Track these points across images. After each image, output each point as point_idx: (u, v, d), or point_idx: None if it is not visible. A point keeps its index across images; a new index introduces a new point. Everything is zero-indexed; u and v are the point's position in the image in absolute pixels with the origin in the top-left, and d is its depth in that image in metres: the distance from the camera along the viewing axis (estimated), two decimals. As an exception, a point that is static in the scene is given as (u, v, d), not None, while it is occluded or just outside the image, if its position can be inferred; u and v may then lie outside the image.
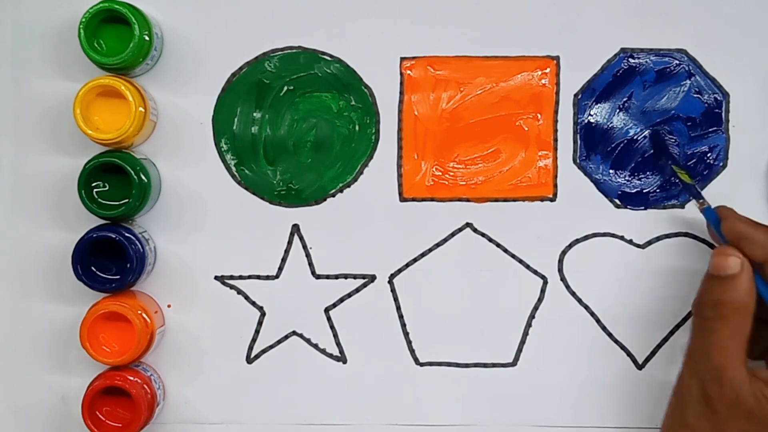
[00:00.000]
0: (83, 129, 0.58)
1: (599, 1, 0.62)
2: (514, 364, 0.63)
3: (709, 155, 0.63)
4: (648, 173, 0.63)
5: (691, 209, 0.63)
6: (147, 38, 0.59)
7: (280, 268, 0.62)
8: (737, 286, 0.51)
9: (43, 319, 0.62)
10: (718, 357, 0.51)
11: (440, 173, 0.63)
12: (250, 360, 0.62)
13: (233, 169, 0.62)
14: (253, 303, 0.62)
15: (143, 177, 0.59)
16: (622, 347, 0.63)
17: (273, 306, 0.62)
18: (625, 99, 0.63)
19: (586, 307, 0.63)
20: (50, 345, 0.62)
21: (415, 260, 0.63)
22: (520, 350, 0.63)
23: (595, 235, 0.63)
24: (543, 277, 0.63)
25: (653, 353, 0.63)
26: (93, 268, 0.59)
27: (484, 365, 0.63)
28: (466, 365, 0.63)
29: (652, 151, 0.63)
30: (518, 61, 0.62)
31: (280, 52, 0.62)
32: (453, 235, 0.63)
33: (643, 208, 0.63)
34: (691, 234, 0.63)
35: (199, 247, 0.62)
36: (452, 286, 0.62)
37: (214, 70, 0.62)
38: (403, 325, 0.63)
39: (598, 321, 0.63)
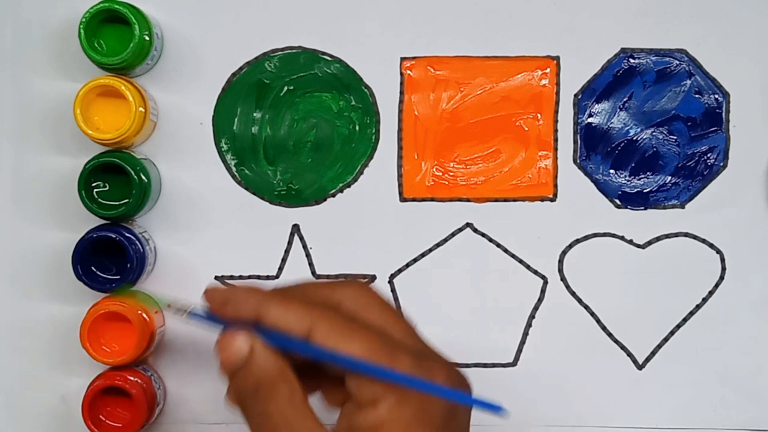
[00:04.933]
0: (83, 129, 0.58)
1: (599, 1, 0.62)
2: (514, 364, 0.63)
3: (709, 155, 0.63)
4: (648, 173, 0.63)
5: (692, 209, 0.63)
6: (147, 38, 0.59)
7: (280, 268, 0.62)
8: (258, 363, 0.44)
9: (43, 319, 0.62)
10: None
11: (440, 173, 0.63)
12: (250, 360, 0.62)
13: (233, 169, 0.62)
14: (253, 303, 0.62)
15: (143, 177, 0.59)
16: (622, 347, 0.63)
17: (273, 306, 0.62)
18: (625, 99, 0.63)
19: (586, 307, 0.63)
20: (50, 345, 0.62)
21: (415, 260, 0.63)
22: (520, 350, 0.63)
23: (595, 235, 0.63)
24: (543, 277, 0.63)
25: (653, 353, 0.63)
26: (93, 268, 0.59)
27: (484, 365, 0.63)
28: (466, 365, 0.63)
29: (652, 151, 0.63)
30: (518, 61, 0.62)
31: (280, 52, 0.62)
32: (453, 235, 0.63)
33: (643, 208, 0.63)
34: (691, 234, 0.63)
35: (199, 247, 0.62)
36: (452, 286, 0.62)
37: (214, 70, 0.62)
38: (403, 325, 0.62)
39: (598, 321, 0.63)
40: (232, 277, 0.62)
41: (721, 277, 0.63)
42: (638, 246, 0.63)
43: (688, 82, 0.63)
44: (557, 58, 0.62)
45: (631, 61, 0.62)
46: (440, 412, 0.44)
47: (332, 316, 0.44)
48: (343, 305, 0.46)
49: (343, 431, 0.44)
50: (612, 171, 0.63)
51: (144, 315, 0.59)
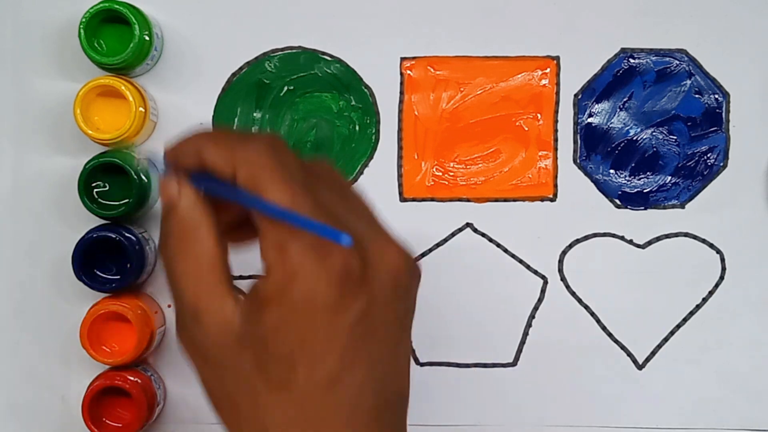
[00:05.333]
0: (83, 129, 0.58)
1: (599, 1, 0.62)
2: (514, 364, 0.63)
3: (709, 155, 0.63)
4: (648, 173, 0.63)
5: (692, 209, 0.63)
6: (147, 38, 0.59)
7: (280, 268, 0.62)
8: (181, 205, 0.42)
9: (43, 319, 0.62)
10: (191, 293, 0.41)
11: (440, 173, 0.63)
12: (250, 360, 0.62)
13: (233, 169, 0.62)
14: (253, 303, 0.62)
15: (143, 177, 0.59)
16: (622, 347, 0.63)
17: (273, 306, 0.62)
18: (625, 99, 0.63)
19: (586, 307, 0.63)
20: (51, 345, 0.62)
21: (415, 260, 0.62)
22: (520, 350, 0.63)
23: (595, 235, 0.63)
24: (543, 277, 0.63)
25: (653, 353, 0.63)
26: (93, 268, 0.59)
27: (484, 365, 0.63)
28: (466, 365, 0.63)
29: (652, 151, 0.63)
30: (518, 61, 0.62)
31: (280, 52, 0.62)
32: (453, 235, 0.63)
33: (643, 208, 0.63)
34: (691, 234, 0.63)
35: (199, 247, 0.62)
36: (452, 286, 0.62)
37: (214, 70, 0.62)
38: (403, 325, 0.62)
39: (598, 321, 0.63)
40: (232, 277, 0.62)
41: (721, 277, 0.63)
42: (638, 246, 0.63)
43: (688, 82, 0.63)
44: (557, 58, 0.62)
45: (631, 61, 0.62)
46: (339, 275, 0.39)
47: (256, 158, 0.40)
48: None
49: (247, 300, 0.41)
50: (612, 171, 0.63)
51: (144, 315, 0.59)
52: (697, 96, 0.63)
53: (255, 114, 0.62)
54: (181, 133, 0.43)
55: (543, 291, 0.63)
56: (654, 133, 0.63)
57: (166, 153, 0.43)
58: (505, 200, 0.63)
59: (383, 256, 0.41)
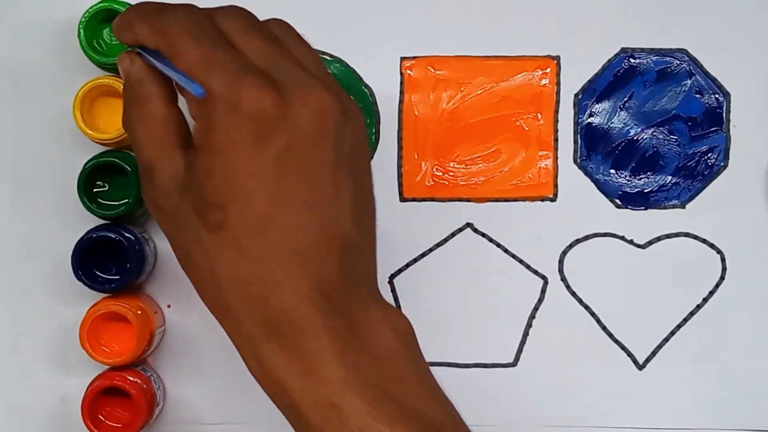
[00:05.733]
0: (83, 129, 0.58)
1: (599, 1, 0.62)
2: (514, 364, 0.63)
3: (709, 155, 0.63)
4: (649, 173, 0.63)
5: (692, 209, 0.63)
6: (147, 38, 0.59)
7: (280, 268, 0.62)
8: (132, 70, 0.45)
9: (43, 319, 0.62)
10: (147, 153, 0.44)
11: (440, 173, 0.62)
12: (250, 360, 0.62)
13: (233, 169, 0.62)
14: (253, 303, 0.62)
15: (143, 177, 0.59)
16: (622, 347, 0.63)
17: (273, 306, 0.62)
18: (625, 99, 0.63)
19: (587, 307, 0.63)
20: (50, 345, 0.62)
21: (415, 260, 0.63)
22: (520, 350, 0.63)
23: (595, 235, 0.63)
24: (543, 277, 0.63)
25: (653, 353, 0.63)
26: (93, 268, 0.59)
27: (484, 365, 0.63)
28: (466, 365, 0.63)
29: (653, 151, 0.63)
30: (518, 61, 0.62)
31: (280, 52, 0.62)
32: (453, 235, 0.63)
33: (643, 208, 0.63)
34: (692, 234, 0.63)
35: (199, 247, 0.62)
36: (452, 286, 0.62)
37: (214, 70, 0.62)
38: (403, 325, 0.62)
39: (598, 321, 0.63)
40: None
41: (722, 277, 0.63)
42: (638, 246, 0.63)
43: (689, 81, 0.63)
44: (557, 58, 0.62)
45: (632, 60, 0.62)
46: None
47: (173, 24, 0.43)
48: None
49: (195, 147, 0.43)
50: (612, 171, 0.63)
51: (144, 315, 0.59)
52: (697, 96, 0.63)
53: (255, 114, 0.62)
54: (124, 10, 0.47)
55: (543, 291, 0.63)
56: (654, 133, 0.63)
57: (113, 29, 0.46)
58: (506, 200, 0.63)
59: (307, 98, 0.42)
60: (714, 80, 0.62)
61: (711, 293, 0.63)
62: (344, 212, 0.43)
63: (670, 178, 0.63)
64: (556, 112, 0.63)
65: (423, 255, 0.63)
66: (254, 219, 0.41)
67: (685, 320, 0.63)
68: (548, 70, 0.62)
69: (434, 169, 0.63)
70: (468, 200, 0.63)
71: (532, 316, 0.63)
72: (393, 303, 0.62)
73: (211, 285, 0.44)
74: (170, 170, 0.43)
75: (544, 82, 0.63)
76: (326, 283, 0.42)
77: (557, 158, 0.63)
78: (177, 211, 0.43)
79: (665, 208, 0.63)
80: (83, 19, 0.58)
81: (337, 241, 0.42)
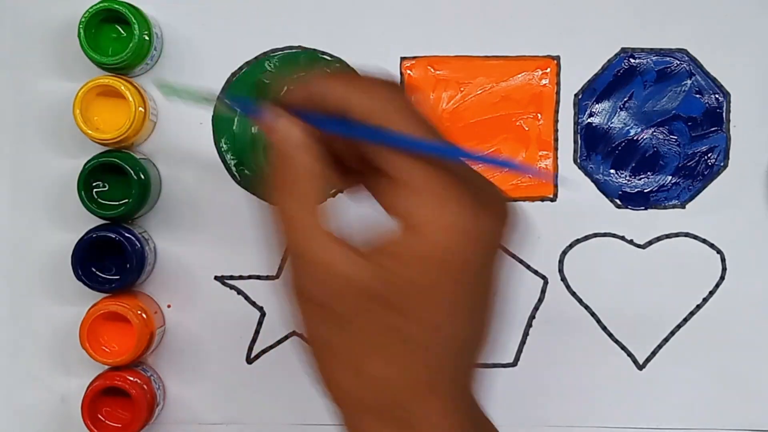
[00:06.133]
0: (83, 129, 0.58)
1: (599, 1, 0.62)
2: (514, 364, 0.63)
3: (709, 155, 0.63)
4: (649, 173, 0.63)
5: (692, 209, 0.63)
6: (147, 38, 0.59)
7: (280, 268, 0.62)
8: (296, 151, 0.40)
9: (43, 319, 0.62)
10: (301, 238, 0.40)
11: (440, 173, 0.62)
12: (250, 360, 0.62)
13: (233, 169, 0.62)
14: (253, 303, 0.62)
15: (143, 177, 0.59)
16: (622, 347, 0.63)
17: (273, 306, 0.62)
18: (625, 99, 0.63)
19: (587, 307, 0.63)
20: (50, 345, 0.62)
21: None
22: (520, 350, 0.63)
23: (595, 235, 0.63)
24: (543, 277, 0.63)
25: (653, 353, 0.63)
26: (93, 268, 0.59)
27: (484, 365, 0.63)
28: (466, 365, 0.63)
29: (653, 151, 0.63)
30: (518, 61, 0.62)
31: (280, 52, 0.62)
32: (453, 235, 0.62)
33: (643, 208, 0.63)
34: (692, 234, 0.63)
35: (199, 247, 0.62)
36: (452, 286, 0.62)
37: (214, 70, 0.62)
38: (403, 325, 0.62)
39: (598, 321, 0.63)
40: (231, 277, 0.62)
41: (722, 277, 0.63)
42: (638, 246, 0.63)
43: (689, 81, 0.63)
44: (557, 58, 0.62)
45: (632, 61, 0.62)
46: (484, 241, 0.40)
47: (383, 92, 0.40)
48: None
49: (373, 251, 0.39)
50: (612, 171, 0.63)
51: (144, 315, 0.59)
52: (697, 96, 0.63)
53: (255, 114, 0.62)
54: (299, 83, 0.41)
55: (543, 291, 0.63)
56: (654, 133, 0.63)
57: (265, 93, 0.44)
58: (505, 200, 0.63)
59: (503, 213, 0.40)
60: (714, 80, 0.62)
61: (711, 293, 0.63)
62: (490, 318, 0.42)
63: (670, 178, 0.63)
64: (556, 112, 0.63)
65: (423, 255, 0.62)
66: (431, 327, 0.39)
67: (685, 320, 0.63)
68: (548, 70, 0.62)
69: (434, 169, 0.62)
70: (468, 200, 0.62)
71: (532, 316, 0.63)
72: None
73: (350, 378, 0.41)
74: (347, 270, 0.39)
75: (544, 82, 0.63)
76: (455, 382, 0.42)
77: (557, 158, 0.63)
78: (342, 309, 0.39)
79: (665, 208, 0.63)
80: (83, 19, 0.58)
81: (477, 345, 0.42)
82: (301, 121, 0.41)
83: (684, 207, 0.63)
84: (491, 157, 0.38)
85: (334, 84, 0.40)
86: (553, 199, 0.63)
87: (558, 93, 0.63)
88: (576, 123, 0.63)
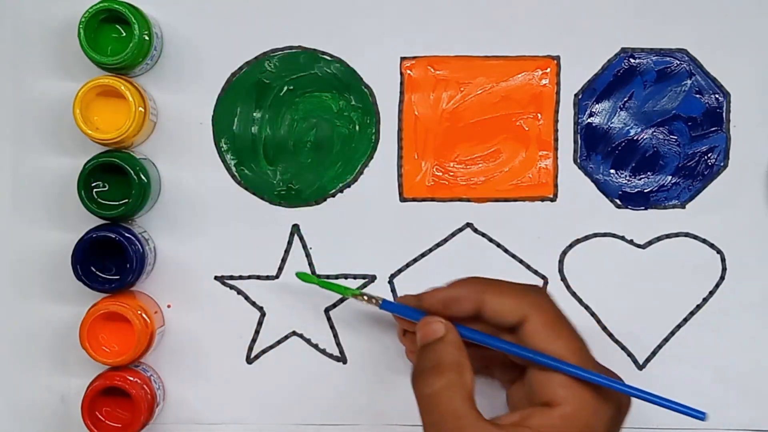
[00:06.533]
0: (83, 129, 0.58)
1: (599, 1, 0.62)
2: (514, 364, 0.63)
3: (709, 155, 0.63)
4: (649, 173, 0.63)
5: (692, 209, 0.63)
6: (147, 38, 0.59)
7: (280, 268, 0.62)
8: (447, 346, 0.50)
9: (43, 319, 0.62)
10: (452, 423, 0.48)
11: (440, 173, 0.62)
12: (250, 360, 0.62)
13: (233, 169, 0.62)
14: (253, 303, 0.62)
15: (143, 177, 0.59)
16: (622, 347, 0.63)
17: (273, 306, 0.62)
18: (625, 99, 0.63)
19: (587, 307, 0.63)
20: (50, 345, 0.62)
21: (415, 260, 0.63)
22: (520, 350, 0.63)
23: (595, 235, 0.63)
24: (543, 277, 0.63)
25: (653, 353, 0.63)
26: (93, 268, 0.59)
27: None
28: (467, 365, 0.63)
29: (653, 151, 0.63)
30: (518, 61, 0.62)
31: (280, 52, 0.62)
32: (453, 235, 0.63)
33: (643, 208, 0.63)
34: (692, 234, 0.63)
35: (199, 247, 0.62)
36: (452, 286, 0.62)
37: (214, 70, 0.62)
38: (403, 325, 0.63)
39: (598, 321, 0.63)
40: (232, 277, 0.62)
41: (722, 277, 0.63)
42: (638, 246, 0.63)
43: (689, 81, 0.63)
44: (557, 58, 0.62)
45: (632, 60, 0.62)
46: (609, 419, 0.50)
47: (545, 307, 0.51)
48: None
49: (513, 424, 0.48)
50: (612, 171, 0.63)
51: (144, 315, 0.59)
52: (697, 96, 0.63)
53: (255, 114, 0.62)
54: (433, 292, 0.53)
55: (543, 291, 0.63)
56: (654, 133, 0.63)
57: (427, 298, 0.53)
58: (505, 200, 0.63)
59: (621, 397, 0.51)
60: (714, 80, 0.62)
61: (711, 293, 0.63)
62: None
63: (670, 178, 0.63)
64: (556, 112, 0.63)
65: (423, 255, 0.63)
66: None
67: (685, 320, 0.63)
68: (548, 70, 0.62)
69: (434, 169, 0.63)
70: (468, 200, 0.63)
71: (532, 316, 0.63)
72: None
73: None
74: None
75: (544, 82, 0.63)
76: None
77: (557, 158, 0.63)
78: None
79: (665, 208, 0.63)
80: (83, 19, 0.58)
81: None
82: (447, 321, 0.51)
83: (684, 207, 0.63)
84: (653, 396, 0.51)
85: (491, 293, 0.51)
86: (553, 199, 0.63)
87: (558, 93, 0.63)
88: (576, 123, 0.63)
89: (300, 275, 0.59)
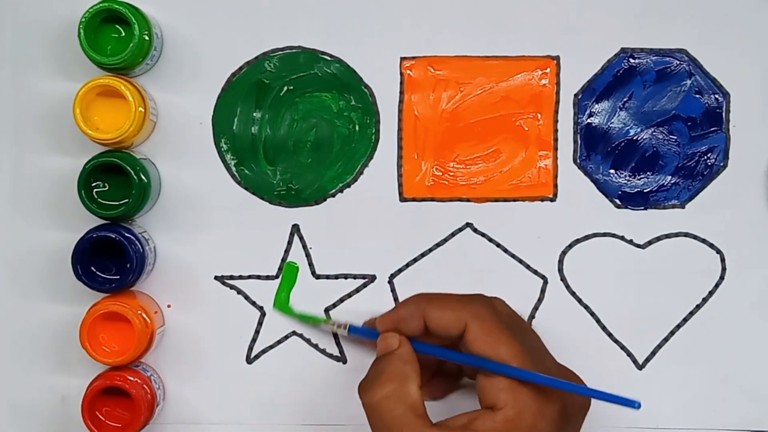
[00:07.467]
0: (83, 129, 0.58)
1: (599, 1, 0.62)
2: (514, 364, 0.63)
3: (709, 155, 0.63)
4: (648, 173, 0.63)
5: (692, 209, 0.63)
6: (147, 38, 0.59)
7: (280, 268, 0.62)
8: (393, 359, 0.53)
9: (43, 319, 0.62)
10: (396, 431, 0.50)
11: (440, 173, 0.63)
12: (250, 360, 0.63)
13: (233, 169, 0.62)
14: (253, 303, 0.62)
15: (143, 177, 0.59)
16: (622, 347, 0.63)
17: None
18: (625, 99, 0.63)
19: (586, 307, 0.63)
20: (50, 345, 0.62)
21: (415, 260, 0.63)
22: (520, 350, 0.63)
23: (595, 235, 0.63)
24: (543, 277, 0.63)
25: (653, 353, 0.63)
26: (93, 268, 0.59)
27: (484, 365, 0.63)
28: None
29: (652, 151, 0.63)
30: (518, 61, 0.62)
31: (280, 52, 0.62)
32: (453, 235, 0.63)
33: (643, 208, 0.63)
34: (692, 234, 0.63)
35: (199, 247, 0.62)
36: (452, 286, 0.62)
37: (214, 70, 0.62)
38: (403, 325, 0.63)
39: (598, 321, 0.63)
40: (231, 277, 0.62)
41: (721, 277, 0.63)
42: (638, 246, 0.63)
43: (688, 82, 0.63)
44: (557, 58, 0.62)
45: (631, 61, 0.62)
46: (554, 419, 0.51)
47: (484, 316, 0.52)
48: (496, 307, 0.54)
49: (460, 427, 0.50)
50: (612, 171, 0.63)
51: (144, 315, 0.59)
52: (697, 96, 0.63)
53: (255, 114, 0.62)
54: (385, 316, 0.56)
55: (543, 291, 0.63)
56: (654, 133, 0.63)
57: (380, 322, 0.56)
58: (505, 200, 0.63)
59: (569, 396, 0.53)
60: (714, 80, 0.63)
61: (711, 293, 0.63)
62: None
63: (669, 178, 0.63)
64: (556, 112, 0.63)
65: (423, 255, 0.63)
66: None
67: (685, 320, 0.63)
68: (548, 70, 0.63)
69: (434, 169, 0.63)
70: (468, 200, 0.63)
71: (532, 316, 0.63)
72: (393, 303, 0.62)
73: None
74: None
75: (543, 82, 0.63)
76: None
77: (557, 158, 0.63)
78: None
79: (665, 208, 0.63)
80: (83, 19, 0.58)
81: None
82: (402, 336, 0.55)
83: (684, 207, 0.63)
84: (591, 390, 0.53)
85: (432, 307, 0.54)
86: (553, 199, 0.63)
87: (558, 93, 0.63)
88: (576, 123, 0.63)
89: (277, 307, 0.62)
